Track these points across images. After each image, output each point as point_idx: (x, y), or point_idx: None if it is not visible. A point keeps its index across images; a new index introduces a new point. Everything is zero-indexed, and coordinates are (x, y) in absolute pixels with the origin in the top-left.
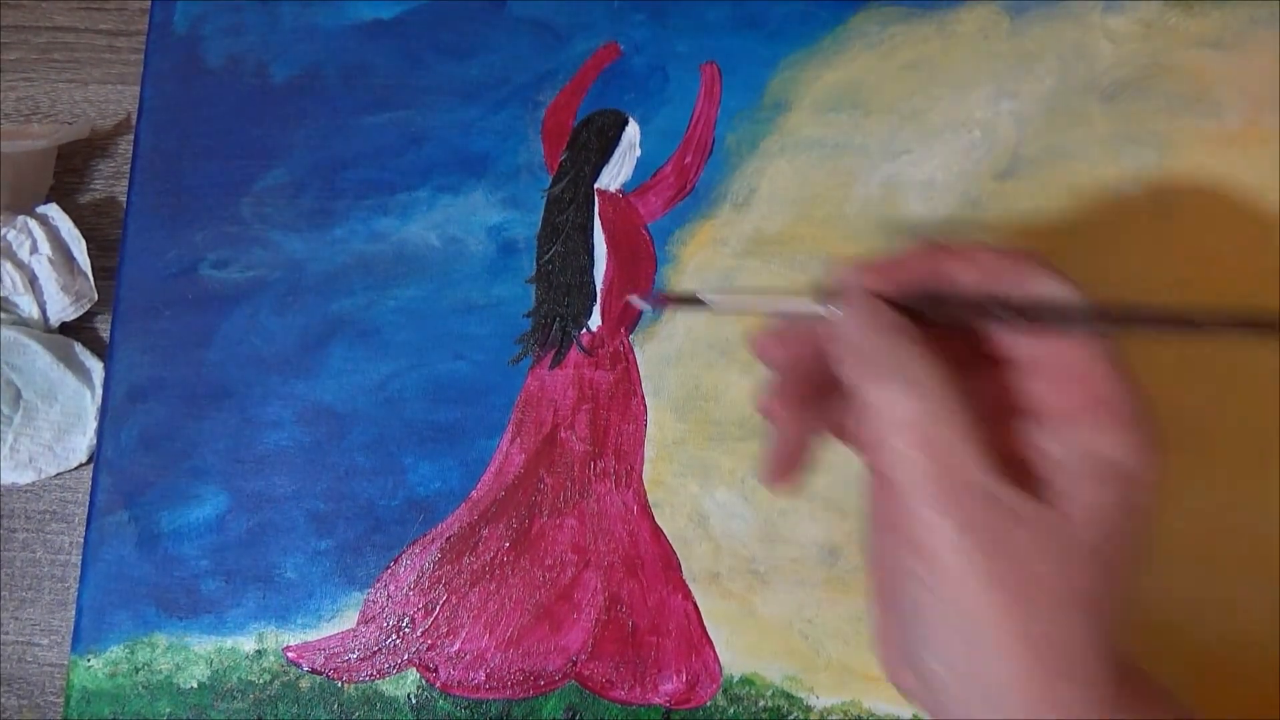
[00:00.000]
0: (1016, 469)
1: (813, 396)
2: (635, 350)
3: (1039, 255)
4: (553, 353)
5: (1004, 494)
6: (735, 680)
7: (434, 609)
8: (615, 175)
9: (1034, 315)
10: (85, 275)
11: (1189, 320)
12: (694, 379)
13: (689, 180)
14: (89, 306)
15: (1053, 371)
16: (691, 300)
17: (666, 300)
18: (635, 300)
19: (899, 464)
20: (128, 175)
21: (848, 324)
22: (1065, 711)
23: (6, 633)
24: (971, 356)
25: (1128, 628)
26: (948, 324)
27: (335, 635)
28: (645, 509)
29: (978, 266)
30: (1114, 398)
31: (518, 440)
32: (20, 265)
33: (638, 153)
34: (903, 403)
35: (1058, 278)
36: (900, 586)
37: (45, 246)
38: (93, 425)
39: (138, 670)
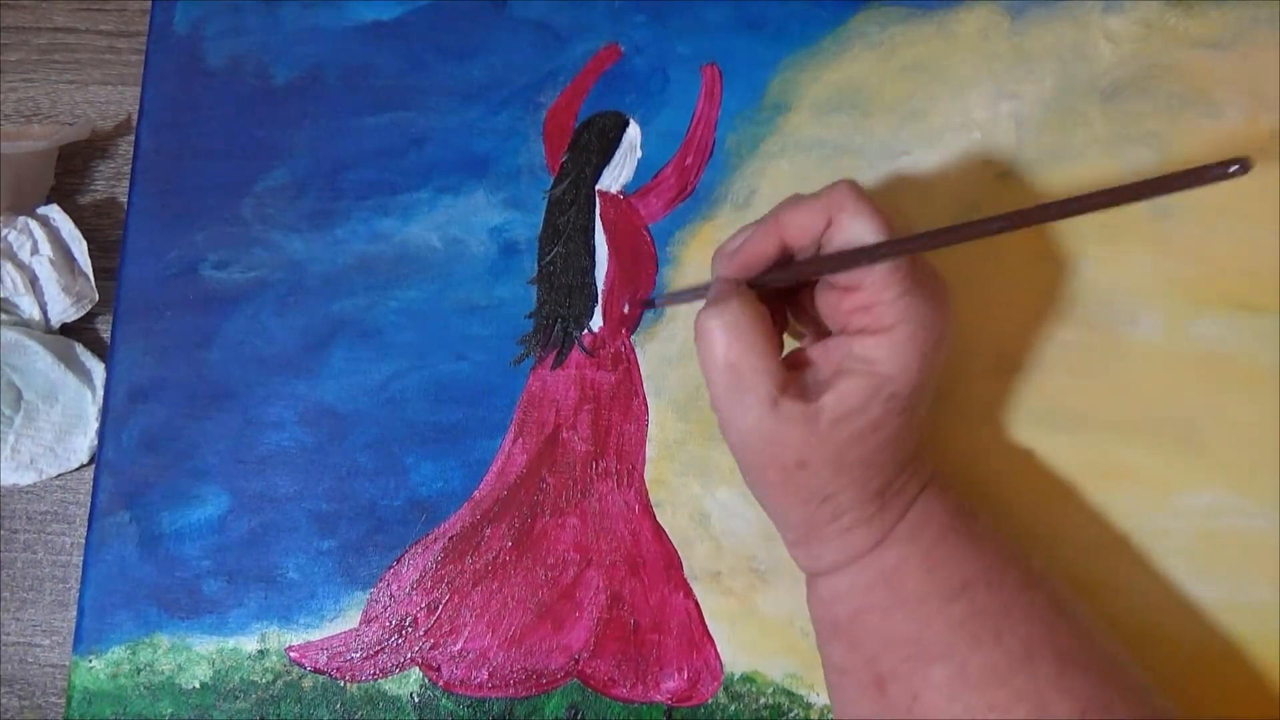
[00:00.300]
0: (809, 375)
1: None
2: (636, 351)
3: (848, 196)
4: (554, 353)
5: (781, 401)
6: (736, 678)
7: (437, 608)
8: (616, 176)
9: (837, 263)
10: (86, 276)
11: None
12: (695, 379)
13: (690, 181)
14: (90, 307)
15: (857, 294)
16: (650, 303)
17: (644, 305)
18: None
19: (712, 377)
20: (128, 176)
21: (711, 293)
22: (827, 533)
23: (8, 633)
24: (815, 288)
25: (893, 469)
26: (782, 282)
27: (338, 635)
28: (647, 508)
29: (799, 228)
30: (879, 309)
31: (520, 440)
32: (21, 266)
33: (638, 154)
34: (719, 333)
35: (863, 218)
36: (734, 455)
37: (46, 247)
38: (94, 426)
39: (139, 671)
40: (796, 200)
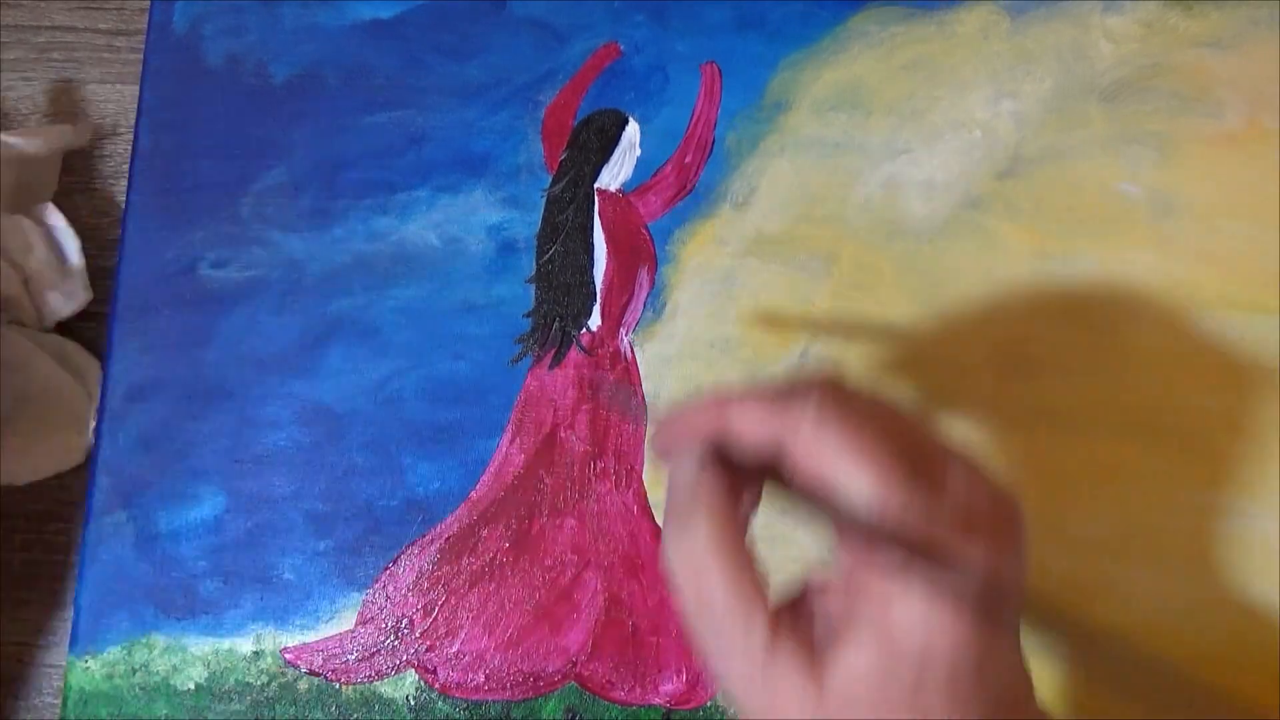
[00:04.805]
0: (807, 619)
1: None
2: (635, 350)
3: (805, 421)
4: (552, 353)
5: (776, 660)
6: None
7: (433, 610)
8: (615, 175)
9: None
10: (80, 273)
11: None
12: (694, 378)
13: (689, 180)
14: (83, 305)
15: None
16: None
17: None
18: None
19: (688, 613)
20: (126, 175)
21: (671, 478)
22: None
23: (4, 633)
24: None
25: None
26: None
27: (334, 636)
28: (646, 509)
29: (743, 432)
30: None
31: (517, 440)
32: (15, 265)
33: (638, 152)
34: (687, 567)
35: (842, 466)
36: None
37: (40, 246)
38: (90, 425)
39: (135, 671)
40: (749, 395)
